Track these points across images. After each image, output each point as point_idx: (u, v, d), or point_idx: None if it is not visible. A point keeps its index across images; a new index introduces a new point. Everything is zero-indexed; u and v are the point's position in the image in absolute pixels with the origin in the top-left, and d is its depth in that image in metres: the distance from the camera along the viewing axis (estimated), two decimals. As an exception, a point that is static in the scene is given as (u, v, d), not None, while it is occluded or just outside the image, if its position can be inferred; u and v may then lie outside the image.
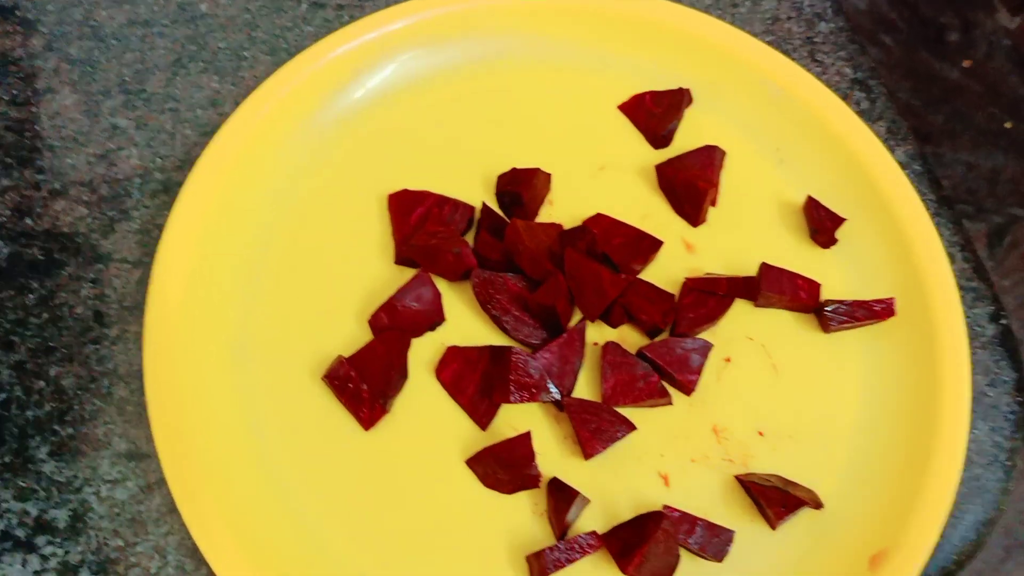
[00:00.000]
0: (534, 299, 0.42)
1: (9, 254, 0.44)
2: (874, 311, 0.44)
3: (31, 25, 0.50)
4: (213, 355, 0.42)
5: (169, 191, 0.46)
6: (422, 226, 0.45)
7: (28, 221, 0.45)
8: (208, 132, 0.48)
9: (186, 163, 0.47)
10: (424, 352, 0.43)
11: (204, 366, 0.41)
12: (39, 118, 0.47)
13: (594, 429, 0.41)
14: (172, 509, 0.40)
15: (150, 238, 0.45)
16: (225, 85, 0.49)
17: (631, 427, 0.41)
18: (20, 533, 0.39)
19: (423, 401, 0.42)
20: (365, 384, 0.41)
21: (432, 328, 0.44)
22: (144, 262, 0.44)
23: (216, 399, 0.41)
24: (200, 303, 0.42)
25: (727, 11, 0.54)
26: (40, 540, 0.39)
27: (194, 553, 0.39)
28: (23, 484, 0.40)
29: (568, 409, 0.41)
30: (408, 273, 0.44)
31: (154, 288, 0.41)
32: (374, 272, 0.45)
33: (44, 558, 0.39)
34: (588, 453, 0.41)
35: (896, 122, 0.51)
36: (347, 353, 0.42)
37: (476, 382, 0.42)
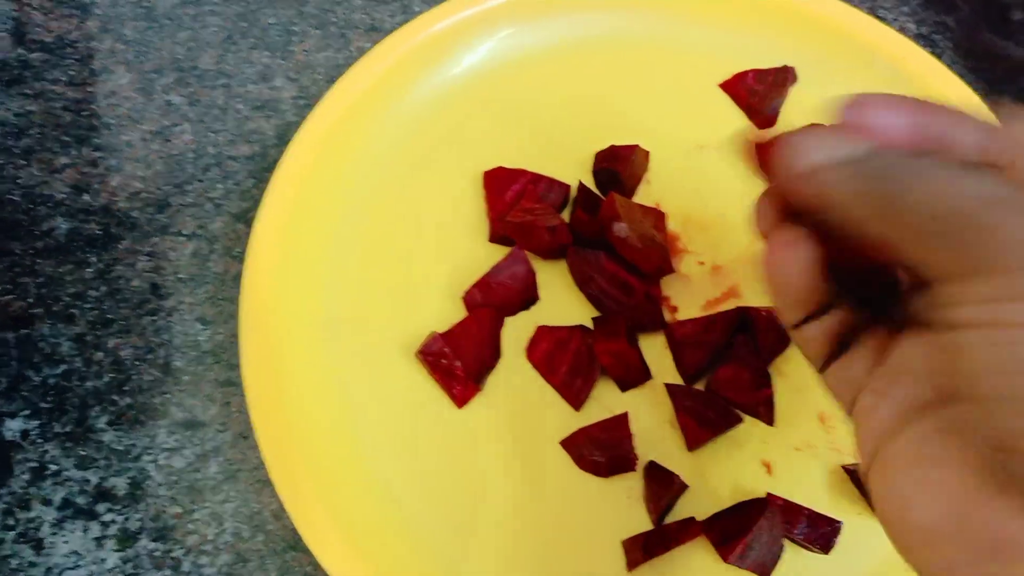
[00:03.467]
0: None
1: (68, 230, 0.45)
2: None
3: (87, 8, 0.50)
4: (307, 331, 0.41)
5: (221, 164, 0.46)
6: (517, 203, 0.44)
7: (86, 197, 0.45)
8: (259, 106, 0.48)
9: (238, 137, 0.47)
10: (517, 331, 0.42)
11: (298, 342, 0.40)
12: (96, 97, 0.48)
13: (699, 418, 0.39)
14: (228, 477, 0.40)
15: (203, 211, 0.45)
16: (275, 60, 0.49)
17: (738, 419, 0.40)
18: (81, 501, 0.39)
19: (516, 380, 0.41)
20: (459, 361, 0.40)
21: (526, 307, 0.43)
22: (198, 235, 0.45)
23: (309, 374, 0.40)
24: (294, 279, 0.41)
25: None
26: (101, 507, 0.39)
27: (250, 519, 0.39)
28: (84, 453, 0.40)
29: (673, 396, 0.40)
30: (502, 251, 0.43)
31: (249, 264, 0.41)
32: (468, 250, 0.44)
33: (104, 525, 0.39)
34: (692, 444, 0.39)
35: (964, 77, 0.49)
36: (440, 330, 0.41)
37: (568, 361, 0.41)
